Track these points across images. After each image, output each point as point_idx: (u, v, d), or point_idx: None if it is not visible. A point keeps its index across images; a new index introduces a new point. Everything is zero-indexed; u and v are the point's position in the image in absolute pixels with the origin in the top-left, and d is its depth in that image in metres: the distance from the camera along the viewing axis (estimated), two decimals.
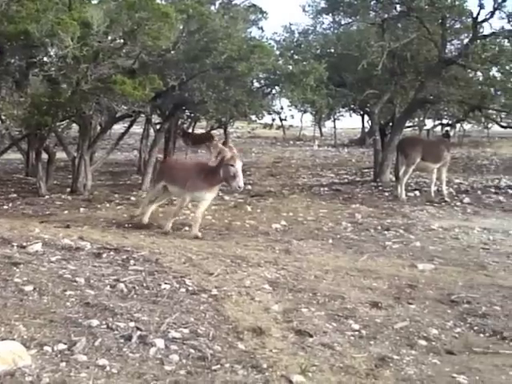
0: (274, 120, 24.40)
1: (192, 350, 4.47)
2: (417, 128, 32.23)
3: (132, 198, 13.74)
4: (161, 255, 7.52)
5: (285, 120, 25.82)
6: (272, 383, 4.03)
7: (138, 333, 4.69)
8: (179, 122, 23.71)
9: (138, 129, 25.17)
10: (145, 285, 6.08)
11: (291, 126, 38.30)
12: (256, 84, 15.07)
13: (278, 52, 16.43)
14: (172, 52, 12.61)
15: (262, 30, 18.74)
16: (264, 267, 7.26)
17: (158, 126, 17.33)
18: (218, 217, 11.27)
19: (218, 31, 13.07)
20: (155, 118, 19.86)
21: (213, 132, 26.38)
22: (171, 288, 6.06)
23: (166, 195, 10.85)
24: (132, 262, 7.06)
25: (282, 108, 19.76)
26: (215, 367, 4.21)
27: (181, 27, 12.41)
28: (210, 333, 4.86)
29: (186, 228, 10.10)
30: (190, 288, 6.12)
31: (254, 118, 21.07)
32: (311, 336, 4.95)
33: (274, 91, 15.73)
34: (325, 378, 4.18)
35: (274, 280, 6.69)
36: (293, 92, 13.44)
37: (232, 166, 9.06)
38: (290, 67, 13.81)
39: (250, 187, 15.45)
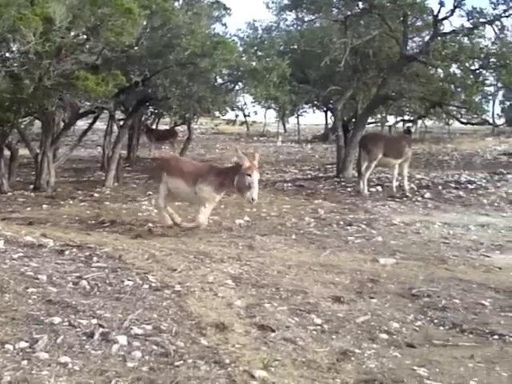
0: (237, 116, 24.41)
1: (155, 347, 4.46)
2: (379, 124, 32.56)
3: (95, 195, 13.59)
4: (124, 252, 7.47)
5: (248, 116, 25.84)
6: (234, 378, 4.04)
7: (101, 330, 4.67)
8: (143, 118, 23.55)
9: (101, 125, 24.89)
10: (107, 281, 6.04)
11: (254, 122, 38.31)
12: (219, 80, 15.04)
13: (241, 48, 16.42)
14: (135, 48, 12.52)
15: (226, 27, 18.68)
16: (227, 263, 7.26)
17: (121, 123, 17.15)
18: (182, 213, 11.19)
19: (181, 27, 12.99)
20: (119, 114, 19.67)
21: (177, 128, 26.26)
22: (134, 284, 6.03)
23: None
24: (95, 258, 7.01)
25: (245, 104, 19.79)
26: (178, 363, 4.22)
27: (144, 23, 12.30)
28: (172, 329, 4.85)
29: (150, 224, 10.03)
30: (153, 284, 6.10)
31: (217, 114, 21.04)
32: (274, 331, 4.98)
33: (237, 87, 15.75)
34: (287, 372, 4.21)
35: (237, 275, 6.71)
36: (256, 88, 13.47)
37: (249, 175, 8.62)
38: (254, 63, 13.82)
39: None
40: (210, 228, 9.79)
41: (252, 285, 6.39)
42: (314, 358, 4.48)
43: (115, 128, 18.62)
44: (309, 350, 4.65)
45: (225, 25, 18.14)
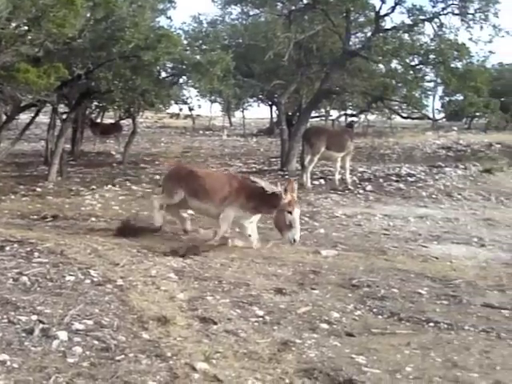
0: (181, 110, 24.22)
1: (96, 342, 4.45)
2: (323, 118, 32.92)
3: (38, 190, 13.31)
4: (66, 247, 7.39)
5: (192, 110, 25.70)
6: (176, 371, 4.07)
7: (41, 326, 4.63)
8: (87, 112, 23.13)
9: (45, 119, 24.34)
10: (48, 277, 5.98)
11: (198, 115, 38.16)
12: (163, 73, 14.94)
13: (185, 42, 16.33)
14: (78, 40, 12.23)
15: (171, 20, 18.60)
16: (170, 256, 7.27)
17: (64, 116, 16.82)
18: (126, 207, 11.14)
19: (125, 20, 12.80)
20: (62, 108, 19.27)
21: (122, 122, 25.91)
22: (76, 280, 5.98)
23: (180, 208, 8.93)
24: (36, 254, 6.92)
25: (188, 98, 19.63)
26: (119, 357, 4.22)
27: (88, 15, 12.08)
28: (114, 323, 4.85)
29: (93, 219, 9.91)
30: (95, 279, 6.07)
31: (161, 107, 20.86)
32: (216, 323, 5.03)
33: (181, 81, 15.67)
34: (228, 364, 4.26)
35: (180, 269, 6.74)
36: (200, 82, 13.42)
37: (289, 213, 7.59)
38: (198, 57, 13.78)
39: (158, 177, 15.34)
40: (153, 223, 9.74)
41: (195, 278, 6.43)
42: (255, 349, 4.54)
43: (59, 122, 18.24)
44: (250, 341, 4.71)
45: (169, 18, 18.01)
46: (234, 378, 4.05)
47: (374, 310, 5.67)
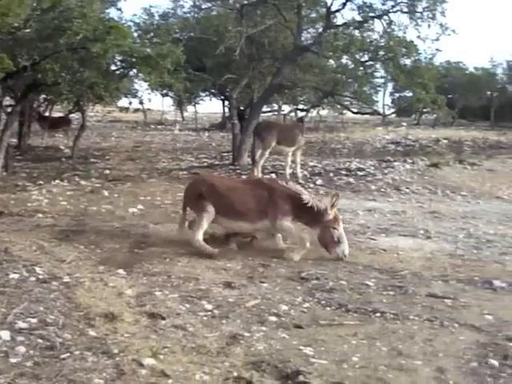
0: (130, 103, 23.94)
1: (40, 340, 4.38)
2: (276, 113, 33.05)
3: None
4: (11, 244, 7.26)
5: (142, 103, 25.45)
6: (123, 368, 4.04)
7: None
8: (35, 105, 22.61)
9: None
10: None
11: (149, 109, 37.84)
12: (113, 66, 14.69)
13: (136, 34, 16.11)
14: (23, 30, 11.94)
15: (121, 12, 18.32)
16: (119, 252, 7.20)
17: (9, 109, 16.39)
18: (74, 202, 10.94)
19: (72, 10, 12.49)
20: (8, 101, 18.78)
21: (71, 116, 25.44)
22: (20, 277, 5.87)
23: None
24: None
25: (138, 91, 19.40)
26: (64, 356, 4.16)
27: (34, 4, 11.77)
28: (59, 321, 4.79)
29: (40, 215, 9.69)
30: (41, 276, 5.97)
31: (110, 101, 20.53)
32: (164, 318, 5.02)
33: (131, 74, 15.45)
34: (176, 359, 4.25)
35: (129, 264, 6.67)
36: (150, 75, 13.22)
37: (335, 229, 7.30)
38: (148, 50, 13.59)
39: (108, 172, 15.17)
40: (103, 217, 9.63)
41: (143, 273, 6.39)
42: (203, 344, 4.54)
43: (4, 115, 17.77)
44: (199, 335, 4.71)
45: (120, 9, 17.77)
46: (181, 373, 4.05)
47: (323, 301, 5.72)
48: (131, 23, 17.90)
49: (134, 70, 14.60)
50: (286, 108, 31.55)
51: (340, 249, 7.25)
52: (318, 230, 7.39)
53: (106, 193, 12.07)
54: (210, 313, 5.26)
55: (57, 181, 13.40)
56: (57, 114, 27.33)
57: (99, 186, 12.94)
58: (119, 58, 14.05)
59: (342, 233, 7.34)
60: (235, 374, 4.06)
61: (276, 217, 7.44)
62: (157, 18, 20.21)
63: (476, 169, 16.90)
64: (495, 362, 4.36)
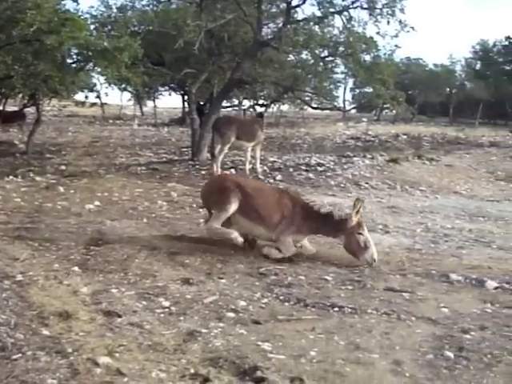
0: (86, 97, 23.48)
1: None
2: (236, 108, 33.00)
3: None
4: None
5: (99, 98, 25.04)
6: (77, 367, 3.94)
7: None
8: None
9: None
10: None
11: (105, 103, 37.30)
12: (68, 59, 14.42)
13: (93, 27, 15.83)
14: None
15: (78, 3, 17.89)
16: (74, 249, 7.05)
17: None
18: (28, 199, 10.69)
19: (26, 0, 12.25)
20: None
21: (26, 110, 24.92)
22: None
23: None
24: None
25: (94, 85, 19.05)
26: (16, 356, 4.04)
27: None
28: (11, 321, 4.65)
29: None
30: None
31: (66, 95, 20.14)
32: (120, 316, 4.91)
33: (87, 67, 15.20)
34: (132, 357, 4.17)
35: (84, 262, 6.54)
36: (107, 69, 13.03)
37: (361, 234, 7.09)
38: (105, 43, 13.36)
39: (64, 167, 14.91)
40: (59, 214, 9.44)
41: (99, 271, 6.26)
42: (160, 341, 4.46)
43: None
44: (155, 333, 4.63)
45: (76, 1, 17.34)
46: (137, 371, 3.96)
47: (281, 297, 5.70)
48: (88, 15, 17.49)
49: (91, 64, 14.39)
50: (246, 103, 31.51)
51: (368, 254, 7.00)
52: (344, 239, 7.21)
53: (61, 189, 11.85)
54: (167, 310, 5.17)
55: (10, 177, 13.10)
56: (11, 108, 26.75)
57: (55, 182, 12.70)
58: (75, 51, 13.84)
59: (368, 237, 7.13)
60: (192, 370, 4.00)
61: (286, 230, 7.28)
62: (114, 10, 19.79)
63: (434, 164, 17.18)
64: (451, 354, 4.40)
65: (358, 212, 7.12)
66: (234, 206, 7.37)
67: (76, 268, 6.28)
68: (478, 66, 49.15)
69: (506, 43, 44.62)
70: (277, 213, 7.36)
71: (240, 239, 7.30)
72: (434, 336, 4.78)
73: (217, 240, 7.86)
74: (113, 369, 3.95)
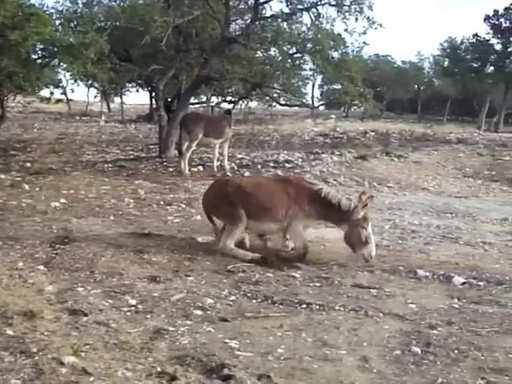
0: (52, 94, 23.18)
1: None
2: (205, 105, 32.88)
3: None
4: None
5: (65, 94, 24.74)
6: (42, 367, 3.88)
7: None
8: None
9: None
10: None
11: (71, 100, 36.90)
12: (33, 55, 14.19)
13: (58, 22, 15.60)
14: None
15: None
16: (39, 248, 6.94)
17: None
18: None
19: None
20: None
21: None
22: None
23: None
24: None
25: (60, 81, 18.81)
26: None
27: None
28: None
29: None
30: None
31: (31, 91, 19.84)
32: (86, 315, 4.86)
33: (53, 63, 14.96)
34: (98, 356, 4.12)
35: (50, 260, 6.46)
36: (72, 65, 12.85)
37: (364, 228, 7.03)
38: (70, 39, 13.17)
39: (29, 164, 14.68)
40: (23, 212, 9.29)
41: (65, 269, 6.19)
42: (126, 339, 4.42)
43: None
44: (122, 331, 4.59)
45: None
46: (103, 370, 3.92)
47: (249, 294, 5.70)
48: (53, 10, 17.28)
49: (56, 60, 14.18)
50: (214, 100, 31.42)
51: (367, 250, 6.95)
52: (346, 229, 7.15)
53: (26, 187, 11.65)
54: (133, 308, 5.13)
55: None
56: None
57: (20, 179, 12.51)
58: (40, 47, 13.61)
59: (371, 233, 7.08)
60: (159, 369, 3.97)
61: (296, 216, 7.22)
62: (80, 5, 19.56)
63: (402, 161, 17.33)
64: (418, 350, 4.45)
65: (365, 206, 7.06)
66: (243, 220, 7.23)
67: (41, 266, 6.20)
68: (445, 64, 49.72)
69: (474, 41, 45.24)
70: (282, 204, 7.24)
71: (257, 256, 7.02)
72: (401, 332, 4.82)
73: (184, 237, 7.86)
74: (78, 368, 3.90)
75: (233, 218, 7.27)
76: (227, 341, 4.51)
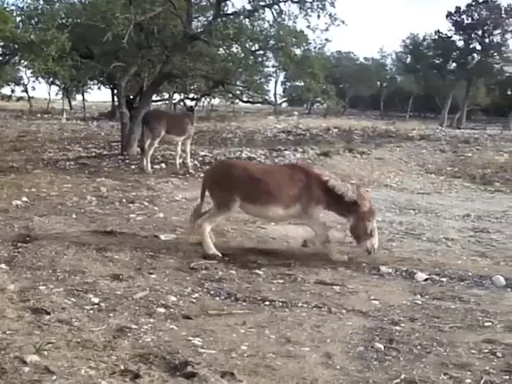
0: (13, 91, 22.87)
1: None
2: (167, 102, 32.74)
3: None
4: None
5: (26, 91, 24.40)
6: (4, 366, 3.86)
7: None
8: None
9: None
10: None
11: (33, 97, 36.37)
12: None
13: (19, 19, 15.35)
14: None
15: None
16: (1, 246, 6.87)
17: None
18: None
19: None
20: None
21: None
22: None
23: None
24: None
25: (21, 78, 18.54)
26: None
27: None
28: None
29: None
30: None
31: None
32: (48, 313, 4.85)
33: (13, 60, 14.75)
34: (61, 354, 4.11)
35: (11, 259, 6.40)
36: (33, 62, 12.69)
37: (370, 221, 7.11)
38: (31, 36, 13.00)
39: None
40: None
41: (27, 267, 6.14)
42: (89, 338, 4.42)
43: None
44: (85, 329, 4.58)
45: None
46: (66, 369, 3.91)
47: (212, 291, 5.74)
48: (14, 7, 16.98)
49: (17, 57, 13.99)
50: (176, 97, 31.30)
51: (371, 242, 7.07)
52: (352, 221, 7.22)
53: None
54: (96, 306, 5.13)
55: None
56: None
57: None
58: (0, 44, 13.40)
59: (375, 226, 7.19)
60: (122, 367, 3.97)
61: (309, 203, 7.19)
62: (41, 2, 19.26)
63: (365, 157, 17.48)
64: (381, 346, 4.51)
65: (365, 199, 7.14)
66: (232, 211, 7.33)
67: (3, 265, 6.14)
68: (408, 60, 50.34)
69: (436, 37, 45.88)
70: (292, 189, 7.17)
71: (219, 255, 7.01)
72: (364, 328, 4.90)
73: (147, 235, 7.85)
74: (41, 367, 3.89)
75: (223, 203, 7.28)
76: (190, 338, 4.54)
